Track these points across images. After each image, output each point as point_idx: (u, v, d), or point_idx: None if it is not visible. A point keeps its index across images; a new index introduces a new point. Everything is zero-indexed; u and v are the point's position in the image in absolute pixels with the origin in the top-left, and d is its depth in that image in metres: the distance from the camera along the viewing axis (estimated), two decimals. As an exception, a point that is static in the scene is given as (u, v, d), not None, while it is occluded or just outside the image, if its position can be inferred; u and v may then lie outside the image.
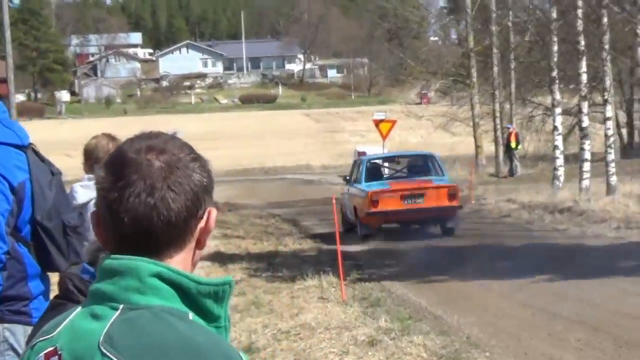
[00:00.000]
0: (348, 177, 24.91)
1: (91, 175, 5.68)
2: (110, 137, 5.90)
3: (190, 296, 1.98)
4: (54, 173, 4.92)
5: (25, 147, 4.82)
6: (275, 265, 17.73)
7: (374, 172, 24.02)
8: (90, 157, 5.77)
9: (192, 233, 2.03)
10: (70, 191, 5.85)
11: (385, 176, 24.85)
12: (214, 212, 2.06)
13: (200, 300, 1.99)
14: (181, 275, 1.97)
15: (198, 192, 2.02)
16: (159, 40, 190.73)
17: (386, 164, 26.50)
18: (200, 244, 2.06)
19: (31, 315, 4.75)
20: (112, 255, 2.00)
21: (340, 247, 14.75)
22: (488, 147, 45.03)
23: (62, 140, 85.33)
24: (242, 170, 58.51)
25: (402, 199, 22.10)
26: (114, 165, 2.02)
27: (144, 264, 1.97)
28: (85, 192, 5.76)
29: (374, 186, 22.58)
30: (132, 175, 1.98)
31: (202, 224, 2.04)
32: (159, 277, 1.96)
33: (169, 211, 1.98)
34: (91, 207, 5.56)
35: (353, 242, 21.15)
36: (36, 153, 4.90)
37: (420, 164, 24.56)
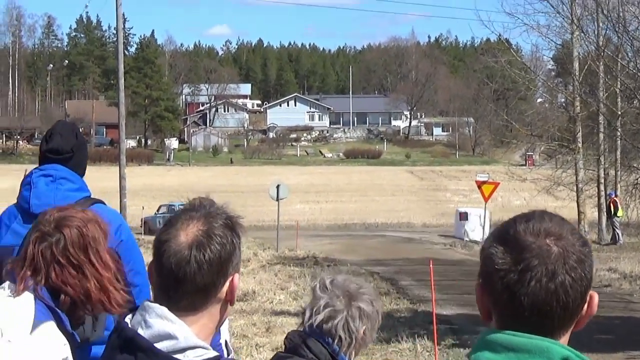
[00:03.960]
0: None
1: None
2: (210, 201, 6.06)
3: None
4: None
5: None
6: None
7: None
8: None
9: (579, 316, 2.14)
10: None
11: None
12: (595, 297, 2.14)
13: None
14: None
15: (589, 278, 2.12)
16: (268, 92, 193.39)
17: None
18: (579, 325, 2.17)
19: None
20: (513, 332, 2.09)
21: (435, 311, 14.73)
22: (591, 213, 44.54)
23: (169, 187, 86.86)
24: (344, 225, 58.78)
25: None
26: (511, 246, 2.11)
27: (555, 347, 2.06)
28: None
29: None
30: (533, 260, 2.07)
31: (586, 307, 2.15)
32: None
33: (567, 297, 2.07)
34: None
35: (449, 305, 21.16)
36: None
37: None
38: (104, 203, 5.10)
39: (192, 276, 2.43)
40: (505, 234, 2.13)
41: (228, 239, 2.48)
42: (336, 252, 37.76)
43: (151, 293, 2.59)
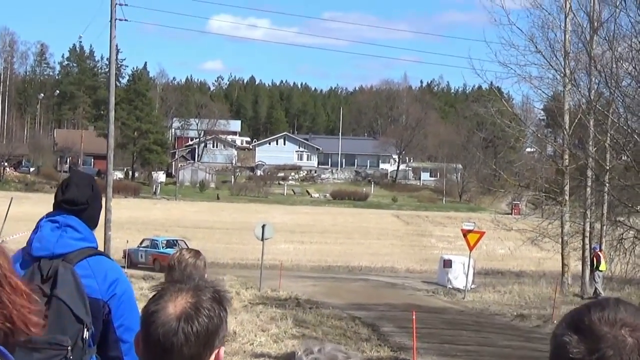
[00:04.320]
0: None
1: None
2: (195, 253, 5.98)
3: None
4: None
5: None
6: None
7: None
8: (172, 271, 5.80)
9: None
10: None
11: None
12: None
13: None
14: None
15: None
16: (258, 130, 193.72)
17: None
18: None
19: None
20: None
21: (415, 361, 14.69)
22: (575, 266, 44.56)
23: (154, 220, 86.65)
24: (327, 266, 58.64)
25: None
26: (586, 335, 2.09)
27: None
28: None
29: None
30: (608, 350, 2.05)
31: None
32: None
33: None
34: None
35: (429, 355, 21.06)
36: None
37: None
38: (106, 256, 5.11)
39: (179, 348, 2.45)
40: (580, 323, 2.11)
41: (216, 312, 2.50)
42: (319, 294, 37.66)
43: None
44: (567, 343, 2.10)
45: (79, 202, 4.99)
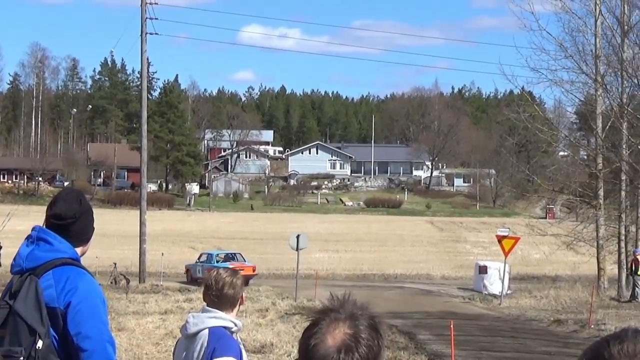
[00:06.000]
0: None
1: (207, 307, 5.83)
2: (232, 272, 6.02)
3: None
4: None
5: None
6: (387, 381, 17.74)
7: None
8: (209, 290, 5.86)
9: None
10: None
11: None
12: None
13: None
14: None
15: None
16: (290, 139, 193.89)
17: None
18: None
19: None
20: None
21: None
22: (611, 270, 44.32)
23: (189, 232, 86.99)
24: (362, 275, 58.66)
25: None
26: None
27: None
28: (194, 322, 5.81)
29: None
30: None
31: None
32: None
33: None
34: (199, 339, 5.72)
35: (467, 362, 21.05)
36: None
37: None
38: (76, 265, 5.11)
39: None
40: (599, 357, 2.10)
41: (374, 342, 2.48)
42: (354, 303, 37.59)
43: None
44: None
45: (66, 216, 5.11)
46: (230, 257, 51.64)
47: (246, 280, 46.65)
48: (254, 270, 49.66)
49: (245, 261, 51.05)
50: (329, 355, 2.41)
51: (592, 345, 2.17)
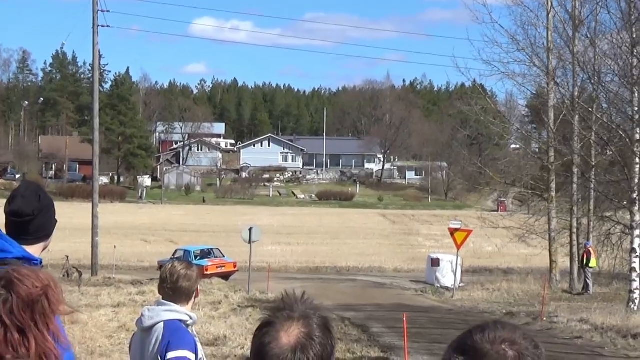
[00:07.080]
0: None
1: (162, 301, 5.78)
2: (187, 265, 5.96)
3: None
4: None
5: None
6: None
7: None
8: (165, 283, 5.82)
9: None
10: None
11: None
12: None
13: None
14: None
15: None
16: (242, 132, 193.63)
17: None
18: None
19: None
20: None
21: (407, 361, 14.67)
22: (563, 262, 44.63)
23: (141, 225, 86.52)
24: (315, 268, 58.59)
25: None
26: (471, 355, 2.27)
27: None
28: (150, 315, 5.77)
29: None
30: None
31: None
32: None
33: None
34: (155, 332, 5.66)
35: (419, 355, 21.06)
36: None
37: None
38: (26, 264, 4.97)
39: None
40: (464, 345, 2.29)
41: (328, 341, 2.54)
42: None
43: None
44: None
45: (24, 213, 4.94)
46: (207, 252, 49.09)
47: (227, 276, 46.07)
48: (235, 267, 47.60)
49: (224, 257, 48.76)
50: (284, 354, 2.45)
51: (457, 337, 2.35)
